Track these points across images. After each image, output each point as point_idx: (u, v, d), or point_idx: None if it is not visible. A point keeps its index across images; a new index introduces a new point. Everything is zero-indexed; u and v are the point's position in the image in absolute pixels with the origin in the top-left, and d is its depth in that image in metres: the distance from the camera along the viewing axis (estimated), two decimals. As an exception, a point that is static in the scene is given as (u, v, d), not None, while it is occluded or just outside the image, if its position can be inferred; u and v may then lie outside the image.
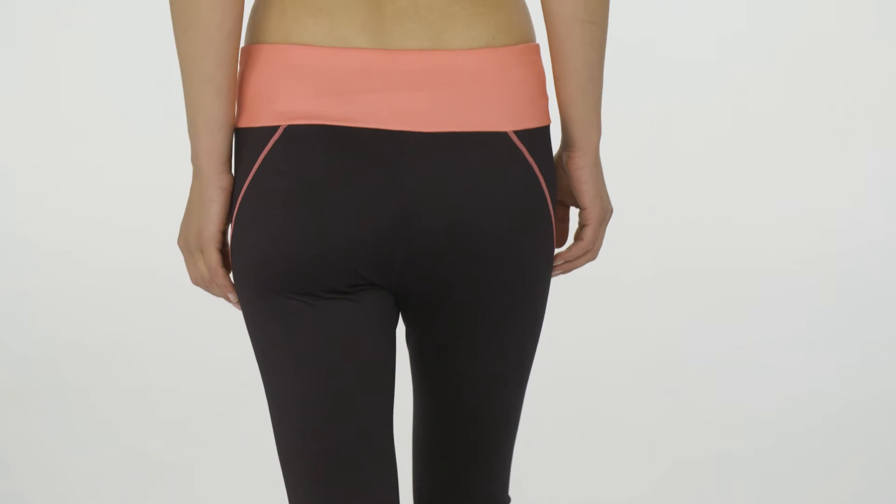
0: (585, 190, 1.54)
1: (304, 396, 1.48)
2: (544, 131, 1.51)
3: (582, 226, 1.58)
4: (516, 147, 1.47)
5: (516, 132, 1.47)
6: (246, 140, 1.47)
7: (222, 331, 3.92)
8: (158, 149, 4.43)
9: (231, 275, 1.53)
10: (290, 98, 1.42)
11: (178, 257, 4.20)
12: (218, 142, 1.47)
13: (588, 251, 1.59)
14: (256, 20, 1.48)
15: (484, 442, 1.59)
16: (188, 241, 1.53)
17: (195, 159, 1.48)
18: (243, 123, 1.47)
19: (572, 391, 3.50)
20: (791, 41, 4.43)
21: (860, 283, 4.17)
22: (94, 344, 3.90)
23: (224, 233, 1.53)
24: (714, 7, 4.42)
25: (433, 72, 1.43)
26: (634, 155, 4.33)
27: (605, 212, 1.57)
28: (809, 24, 4.42)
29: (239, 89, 1.48)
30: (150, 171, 4.45)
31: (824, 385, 3.58)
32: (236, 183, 1.48)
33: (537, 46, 1.51)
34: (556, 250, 1.59)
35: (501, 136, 1.46)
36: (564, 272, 1.61)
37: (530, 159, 1.48)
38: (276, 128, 1.43)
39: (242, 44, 1.49)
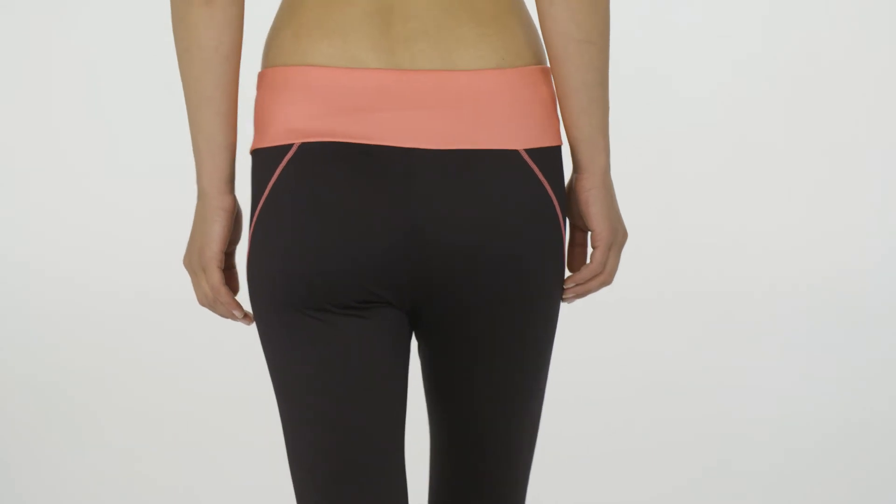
0: (593, 212, 1.52)
1: (315, 412, 1.49)
2: (555, 151, 1.51)
3: (593, 248, 1.57)
4: (528, 165, 1.47)
5: (527, 150, 1.47)
6: (261, 160, 1.49)
7: (225, 352, 3.93)
8: (156, 175, 4.44)
9: (248, 291, 1.55)
10: (303, 117, 1.45)
11: (179, 280, 4.21)
12: (219, 163, 1.51)
13: (598, 274, 1.55)
14: (271, 45, 1.51)
15: (493, 463, 1.57)
16: (192, 261, 1.55)
17: (198, 180, 1.52)
18: (258, 144, 1.50)
19: (575, 412, 3.51)
20: (799, 67, 4.43)
21: (863, 305, 4.16)
22: (97, 366, 3.91)
23: (227, 253, 1.55)
24: (724, 31, 4.42)
25: (443, 91, 1.45)
26: (638, 177, 4.32)
27: (615, 235, 1.54)
28: (819, 49, 4.42)
29: (255, 112, 1.52)
30: (149, 197, 4.44)
31: (825, 402, 3.59)
32: (252, 202, 1.51)
33: (546, 69, 1.51)
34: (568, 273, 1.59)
35: (512, 154, 1.46)
36: (578, 296, 1.58)
37: (542, 178, 1.48)
38: (289, 146, 1.45)
39: (259, 69, 1.53)
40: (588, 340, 3.87)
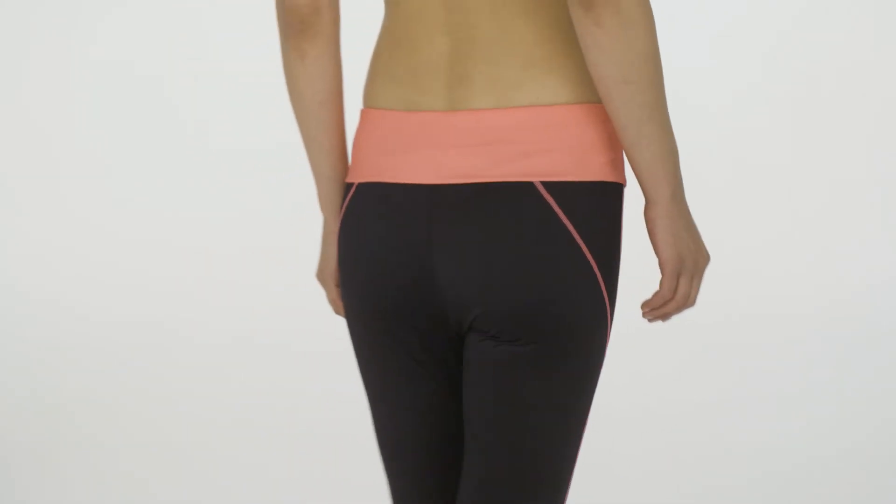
0: (656, 241, 1.54)
1: (376, 423, 1.67)
2: (589, 186, 1.52)
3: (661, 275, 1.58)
4: (542, 198, 1.50)
5: (545, 183, 1.50)
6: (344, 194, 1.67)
7: (230, 380, 3.96)
8: (155, 206, 4.47)
9: None
10: (365, 157, 1.59)
11: (183, 310, 4.22)
12: (327, 192, 1.69)
13: (668, 300, 1.57)
14: (364, 88, 1.65)
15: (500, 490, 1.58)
16: (318, 277, 1.75)
17: (319, 205, 1.70)
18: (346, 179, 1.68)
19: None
20: (801, 90, 4.45)
21: (865, 331, 4.17)
22: (106, 394, 3.93)
23: None
24: (726, 55, 4.45)
25: (470, 130, 1.51)
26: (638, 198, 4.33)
27: (683, 262, 1.55)
28: (819, 71, 4.44)
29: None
30: (150, 230, 4.47)
31: (826, 424, 3.61)
32: None
33: (591, 107, 1.53)
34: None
35: (526, 187, 1.49)
36: (660, 319, 1.60)
37: (558, 210, 1.49)
38: (352, 185, 1.61)
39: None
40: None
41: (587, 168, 1.51)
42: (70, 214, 4.50)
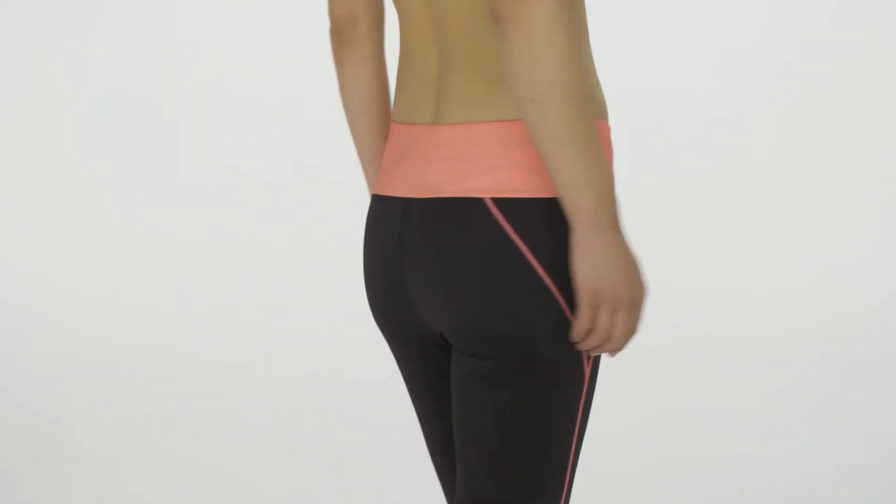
0: (573, 268, 1.44)
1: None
2: (540, 203, 1.47)
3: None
4: (491, 214, 1.48)
5: (495, 199, 1.47)
6: None
7: (234, 398, 3.97)
8: (159, 227, 4.48)
9: None
10: (381, 169, 1.62)
11: (185, 328, 4.20)
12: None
13: (588, 332, 1.46)
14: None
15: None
16: None
17: None
18: None
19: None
20: (798, 117, 4.46)
21: (865, 350, 4.19)
22: (110, 413, 3.95)
23: None
24: (728, 79, 4.45)
25: (440, 144, 1.52)
26: (638, 222, 4.35)
27: (598, 293, 1.43)
28: (818, 94, 4.45)
29: None
30: (156, 250, 4.48)
31: (826, 444, 3.64)
32: None
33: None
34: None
35: (477, 203, 1.48)
36: (598, 353, 1.50)
37: (507, 225, 1.47)
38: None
39: None
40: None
41: (539, 185, 1.47)
42: (69, 232, 4.51)
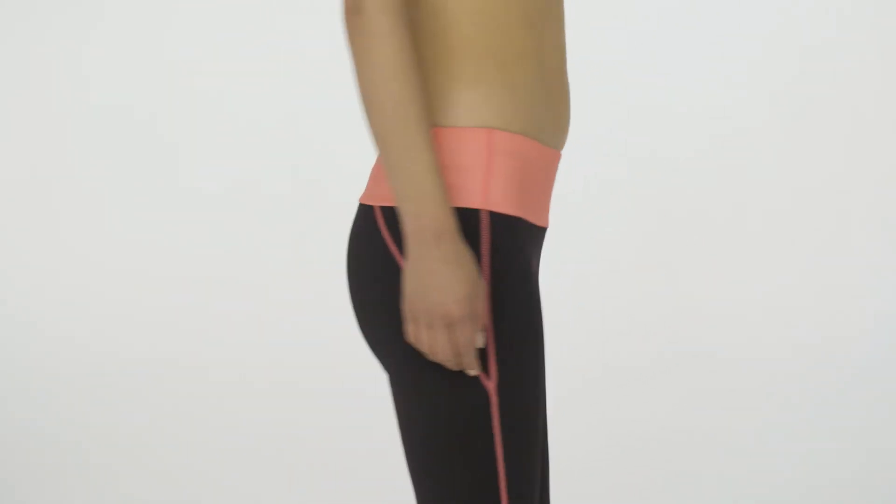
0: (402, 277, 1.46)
1: None
2: None
3: None
4: (377, 222, 1.49)
5: (382, 207, 1.49)
6: None
7: (235, 409, 3.99)
8: (155, 242, 4.49)
9: None
10: None
11: (186, 339, 4.21)
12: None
13: (414, 344, 1.44)
14: None
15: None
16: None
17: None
18: None
19: (576, 473, 3.56)
20: (794, 139, 4.47)
21: (865, 371, 4.21)
22: (112, 422, 3.97)
23: None
24: (724, 99, 4.46)
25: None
26: (636, 242, 4.35)
27: (412, 305, 1.41)
28: (814, 117, 4.47)
29: None
30: (149, 264, 4.49)
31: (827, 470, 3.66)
32: None
33: (450, 130, 1.49)
34: None
35: (368, 210, 1.50)
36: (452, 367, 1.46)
37: (387, 236, 1.48)
38: None
39: None
40: (586, 405, 3.92)
41: None
42: (71, 249, 4.52)
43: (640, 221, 4.31)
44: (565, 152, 4.28)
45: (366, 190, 1.52)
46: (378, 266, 1.47)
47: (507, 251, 1.47)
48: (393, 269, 1.46)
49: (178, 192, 4.57)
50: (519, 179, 1.50)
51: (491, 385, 1.46)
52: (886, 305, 4.33)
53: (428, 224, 1.38)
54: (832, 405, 4.04)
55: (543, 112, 1.53)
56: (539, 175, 1.54)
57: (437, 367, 1.45)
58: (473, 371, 1.44)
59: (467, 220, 1.45)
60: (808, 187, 4.44)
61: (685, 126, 4.46)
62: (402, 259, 1.45)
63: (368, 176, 1.58)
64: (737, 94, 4.45)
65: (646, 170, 4.38)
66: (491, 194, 1.46)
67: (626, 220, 4.29)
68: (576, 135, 4.37)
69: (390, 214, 1.47)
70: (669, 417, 3.97)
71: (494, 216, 1.46)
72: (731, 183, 4.43)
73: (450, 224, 1.40)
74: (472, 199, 1.46)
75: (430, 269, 1.39)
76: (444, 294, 1.39)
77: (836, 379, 4.17)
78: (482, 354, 1.45)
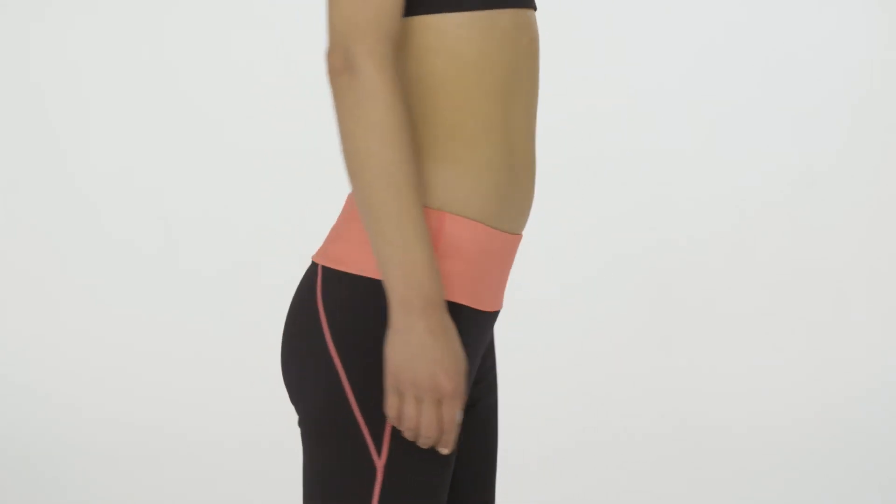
0: (385, 349, 1.41)
1: None
2: (356, 279, 1.45)
3: None
4: (315, 280, 1.48)
5: (324, 268, 1.47)
6: None
7: (240, 476, 3.96)
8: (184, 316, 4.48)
9: None
10: None
11: (182, 408, 4.17)
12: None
13: (395, 420, 1.41)
14: None
15: None
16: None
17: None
18: None
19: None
20: (800, 200, 4.45)
21: (868, 430, 4.19)
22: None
23: None
24: (719, 153, 4.44)
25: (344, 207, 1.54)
26: (633, 307, 4.33)
27: (397, 378, 1.38)
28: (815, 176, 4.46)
29: None
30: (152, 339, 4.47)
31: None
32: None
33: None
34: None
35: (313, 268, 1.50)
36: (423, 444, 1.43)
37: (319, 295, 1.47)
38: None
39: None
40: (584, 472, 3.90)
41: (363, 261, 1.44)
42: (63, 315, 4.51)
43: (634, 286, 4.27)
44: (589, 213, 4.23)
45: (320, 248, 1.51)
46: (304, 321, 1.47)
47: None
48: (315, 325, 1.44)
49: (179, 269, 4.55)
50: (464, 267, 1.47)
51: (380, 463, 1.44)
52: (888, 374, 4.31)
53: (421, 297, 1.36)
54: (832, 475, 4.01)
55: (505, 193, 1.49)
56: (491, 261, 1.51)
57: (338, 430, 1.44)
58: (447, 450, 1.42)
59: None
60: (807, 270, 4.42)
61: (688, 212, 4.41)
62: (325, 317, 1.45)
63: (330, 230, 1.54)
64: (736, 148, 4.43)
65: (639, 226, 4.33)
66: None
67: (625, 300, 4.24)
68: (596, 209, 4.29)
69: (333, 277, 1.46)
70: (667, 488, 3.93)
71: None
72: (731, 267, 4.39)
73: (439, 296, 1.38)
74: None
75: (419, 343, 1.36)
76: (432, 369, 1.36)
77: (836, 447, 4.15)
78: (378, 430, 1.44)
